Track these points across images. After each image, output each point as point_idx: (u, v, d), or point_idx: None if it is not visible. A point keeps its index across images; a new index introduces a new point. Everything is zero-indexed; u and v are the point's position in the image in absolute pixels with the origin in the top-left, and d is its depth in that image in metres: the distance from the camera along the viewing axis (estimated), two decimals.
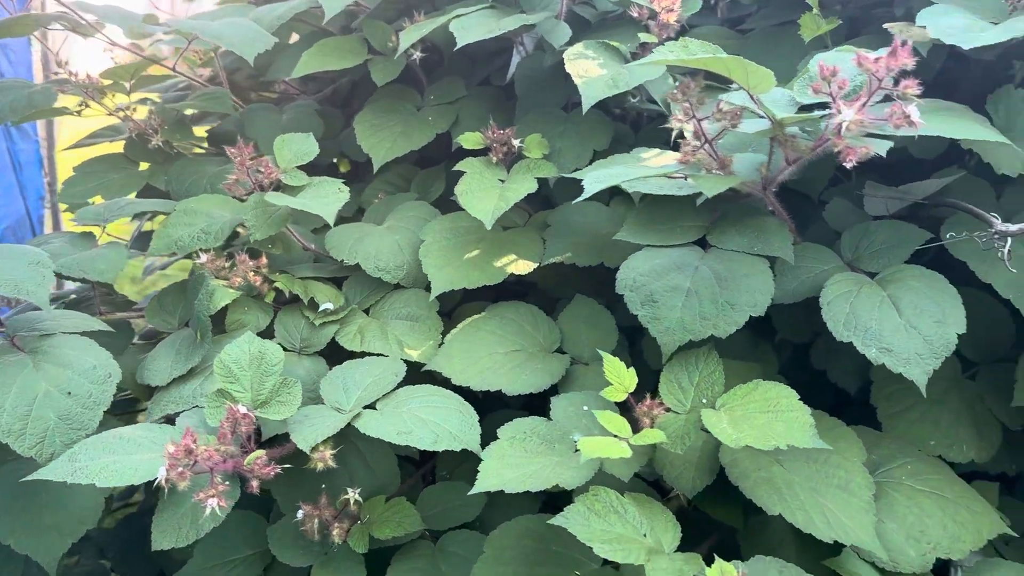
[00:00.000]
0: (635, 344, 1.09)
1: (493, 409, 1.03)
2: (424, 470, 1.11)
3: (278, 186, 1.10)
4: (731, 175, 0.85)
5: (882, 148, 0.76)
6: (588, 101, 0.93)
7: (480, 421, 0.89)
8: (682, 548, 0.76)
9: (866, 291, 0.85)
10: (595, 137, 1.10)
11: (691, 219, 0.92)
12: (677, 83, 0.86)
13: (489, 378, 0.94)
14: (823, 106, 0.79)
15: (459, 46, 1.05)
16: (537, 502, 0.97)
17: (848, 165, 0.73)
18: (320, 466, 0.87)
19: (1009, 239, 0.79)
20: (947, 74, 1.09)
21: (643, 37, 1.06)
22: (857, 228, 0.95)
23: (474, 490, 0.78)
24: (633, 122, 1.27)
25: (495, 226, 1.01)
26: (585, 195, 0.84)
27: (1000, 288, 0.88)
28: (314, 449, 0.86)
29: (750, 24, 1.29)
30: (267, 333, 1.06)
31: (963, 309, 0.83)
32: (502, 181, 1.04)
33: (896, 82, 0.74)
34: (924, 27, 0.89)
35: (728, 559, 0.70)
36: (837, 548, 0.81)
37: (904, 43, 0.72)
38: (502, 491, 0.80)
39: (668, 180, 0.89)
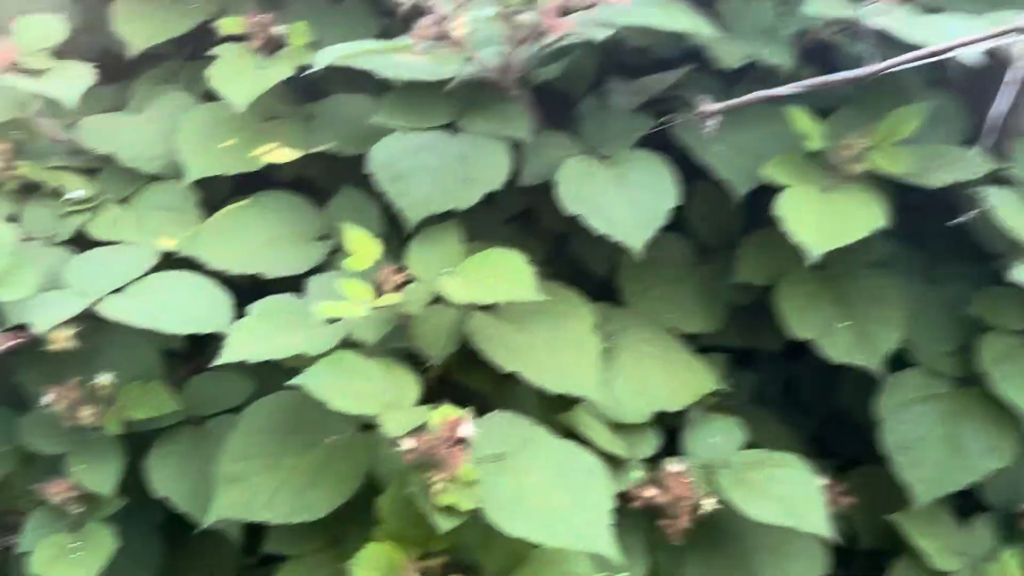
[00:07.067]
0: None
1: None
2: (195, 364, 1.10)
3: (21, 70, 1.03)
4: (468, 55, 0.87)
5: (599, 34, 0.82)
6: None
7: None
8: None
9: (596, 171, 0.93)
10: (363, 29, 1.10)
11: (443, 106, 0.94)
12: None
13: (246, 261, 0.94)
14: None
15: None
16: None
17: (552, 39, 0.77)
18: (61, 348, 0.86)
19: (716, 118, 0.88)
20: None
21: None
22: (596, 118, 1.01)
23: (217, 361, 0.79)
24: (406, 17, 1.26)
25: (256, 116, 1.00)
26: (316, 67, 0.85)
27: (719, 169, 0.98)
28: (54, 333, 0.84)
29: None
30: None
31: (674, 186, 0.92)
32: (262, 68, 1.02)
33: None
34: None
35: None
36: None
37: None
38: (271, 382, 0.81)
39: (416, 63, 0.91)
